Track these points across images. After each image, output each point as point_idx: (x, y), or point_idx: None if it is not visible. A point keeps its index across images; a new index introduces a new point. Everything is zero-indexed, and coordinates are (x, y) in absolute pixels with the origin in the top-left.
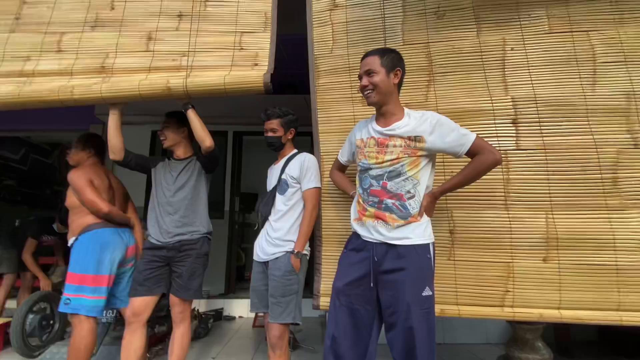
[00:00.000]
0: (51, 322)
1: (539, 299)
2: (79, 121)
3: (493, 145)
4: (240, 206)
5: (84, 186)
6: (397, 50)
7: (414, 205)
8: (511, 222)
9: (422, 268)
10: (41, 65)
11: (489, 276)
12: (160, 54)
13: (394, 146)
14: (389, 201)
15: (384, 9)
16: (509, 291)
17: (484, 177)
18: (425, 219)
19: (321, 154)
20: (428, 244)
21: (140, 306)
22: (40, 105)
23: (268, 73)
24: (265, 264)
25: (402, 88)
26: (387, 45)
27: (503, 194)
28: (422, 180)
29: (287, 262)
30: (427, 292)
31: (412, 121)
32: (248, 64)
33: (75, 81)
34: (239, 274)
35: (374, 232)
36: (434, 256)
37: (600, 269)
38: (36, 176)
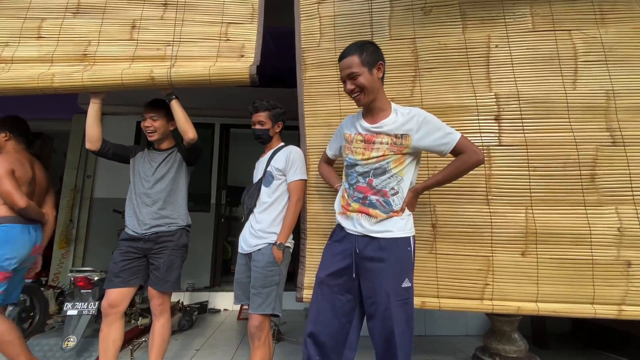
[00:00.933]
0: (31, 314)
1: (517, 292)
2: (62, 110)
3: (476, 141)
4: (226, 199)
5: (2, 176)
6: (382, 44)
7: (397, 202)
8: (492, 217)
9: (402, 260)
10: (20, 52)
11: (470, 269)
12: (144, 43)
13: (381, 143)
14: (373, 197)
15: (371, 3)
16: (488, 284)
17: None
18: (407, 213)
19: (307, 147)
20: (409, 237)
21: (116, 298)
22: (19, 93)
23: (254, 65)
24: (249, 256)
25: (388, 82)
26: (375, 40)
27: (485, 189)
28: (406, 177)
29: (269, 254)
30: (406, 283)
31: (399, 118)
32: (234, 55)
33: (55, 69)
34: (225, 268)
35: (357, 224)
36: (414, 249)
37: (577, 263)
38: None
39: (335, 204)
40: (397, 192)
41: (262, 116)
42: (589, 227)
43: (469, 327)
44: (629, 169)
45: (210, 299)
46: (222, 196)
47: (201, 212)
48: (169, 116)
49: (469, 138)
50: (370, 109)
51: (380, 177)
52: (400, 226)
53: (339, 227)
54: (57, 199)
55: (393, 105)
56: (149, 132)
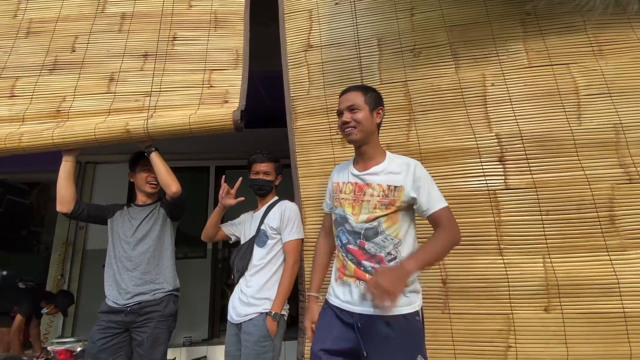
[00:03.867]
0: None
1: (545, 354)
2: (59, 160)
3: (481, 185)
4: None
5: None
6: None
7: None
8: (507, 269)
9: (412, 334)
10: None
11: (489, 330)
12: (122, 95)
13: (371, 195)
14: (367, 264)
15: (359, 48)
16: (511, 346)
17: (474, 220)
18: (411, 289)
19: (302, 198)
20: (417, 311)
21: None
22: None
23: (238, 110)
24: (239, 326)
25: (382, 128)
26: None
27: (496, 237)
28: (404, 239)
29: (261, 326)
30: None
31: (393, 167)
32: (217, 101)
33: (25, 127)
34: (224, 314)
35: (355, 295)
36: (423, 318)
37: (607, 317)
38: (12, 218)
39: (333, 269)
40: (395, 258)
41: (269, 167)
42: (616, 274)
43: None
44: None
45: (208, 354)
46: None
47: (197, 258)
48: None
49: (473, 183)
50: (362, 155)
51: (373, 240)
52: (406, 301)
53: (335, 296)
54: (48, 253)
55: (388, 153)
56: (152, 184)
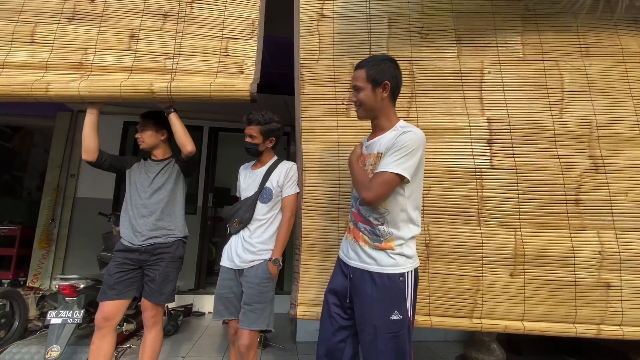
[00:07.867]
0: (11, 320)
1: (505, 312)
2: (45, 108)
3: (469, 164)
4: (212, 200)
5: None
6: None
7: (383, 232)
8: (483, 238)
9: (393, 291)
10: (12, 57)
11: (461, 289)
12: (143, 54)
13: (370, 164)
14: (362, 225)
15: (370, 23)
16: (477, 303)
17: (460, 193)
18: (398, 251)
19: (303, 162)
20: (403, 273)
21: (110, 311)
22: (11, 99)
23: (254, 83)
24: (238, 271)
25: None
26: None
27: (477, 210)
28: (391, 208)
29: (265, 269)
30: (395, 315)
31: (390, 135)
32: (234, 71)
33: (50, 77)
34: (209, 269)
35: (351, 250)
36: (411, 280)
37: (561, 284)
38: None
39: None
40: (382, 223)
41: (253, 130)
42: (573, 250)
43: (448, 332)
44: (609, 195)
45: (194, 302)
46: (209, 198)
47: (187, 214)
48: (158, 127)
49: (463, 160)
50: (375, 126)
51: (364, 206)
52: (392, 263)
53: (342, 248)
54: (39, 196)
55: (398, 123)
56: (139, 142)
